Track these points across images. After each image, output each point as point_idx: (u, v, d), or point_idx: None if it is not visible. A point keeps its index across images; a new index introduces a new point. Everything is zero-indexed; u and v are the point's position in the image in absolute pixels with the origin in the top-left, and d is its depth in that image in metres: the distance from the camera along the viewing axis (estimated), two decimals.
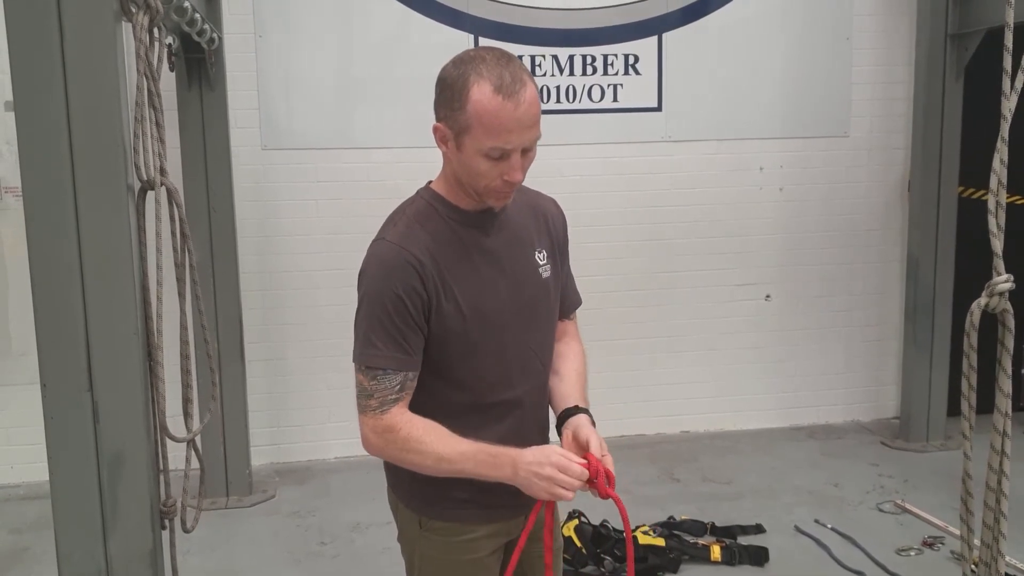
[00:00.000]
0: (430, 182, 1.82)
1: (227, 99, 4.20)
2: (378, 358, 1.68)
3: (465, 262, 1.73)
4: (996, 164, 1.69)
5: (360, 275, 1.75)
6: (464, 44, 4.72)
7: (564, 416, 1.82)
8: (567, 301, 1.98)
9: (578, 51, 4.87)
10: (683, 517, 3.94)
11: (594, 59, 4.89)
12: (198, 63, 4.03)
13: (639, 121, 4.97)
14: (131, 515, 2.19)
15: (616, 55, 4.91)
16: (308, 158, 4.70)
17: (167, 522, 2.30)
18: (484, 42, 4.76)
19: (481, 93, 1.57)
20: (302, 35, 4.64)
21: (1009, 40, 1.64)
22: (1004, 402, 1.76)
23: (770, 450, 4.97)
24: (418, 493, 1.82)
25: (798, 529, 3.94)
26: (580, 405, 1.82)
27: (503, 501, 1.79)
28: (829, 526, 3.95)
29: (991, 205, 1.71)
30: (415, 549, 1.86)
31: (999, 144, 1.69)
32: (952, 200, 4.81)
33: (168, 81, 4.04)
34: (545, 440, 1.89)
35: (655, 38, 4.93)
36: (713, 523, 3.91)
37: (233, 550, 3.90)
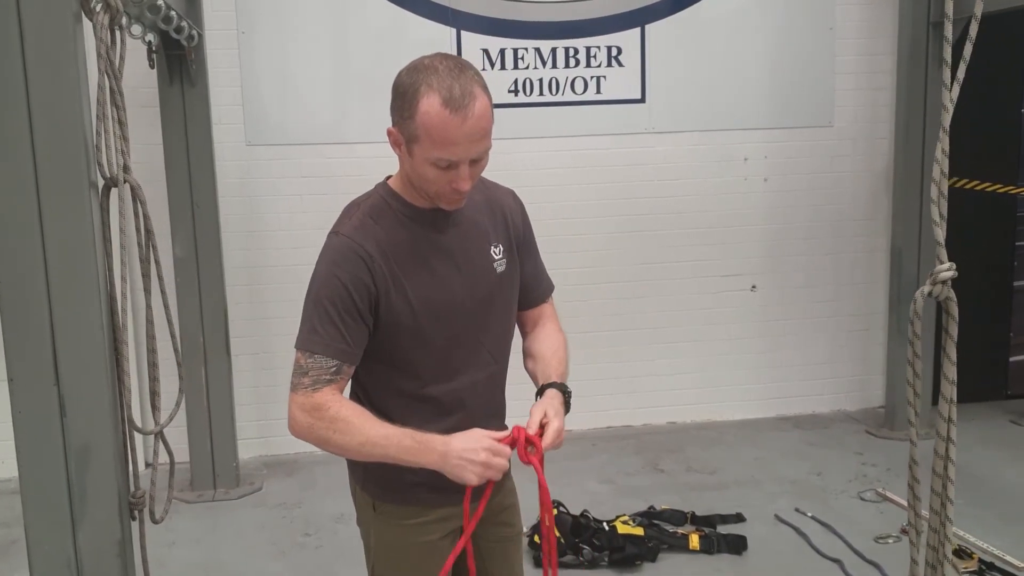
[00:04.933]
0: (388, 177, 1.86)
1: (209, 95, 4.22)
2: (318, 344, 1.71)
3: (417, 258, 1.76)
4: (938, 154, 1.71)
5: (315, 266, 1.78)
6: (448, 38, 4.74)
7: (538, 395, 1.84)
8: (539, 288, 2.01)
9: (561, 43, 4.87)
10: (663, 507, 3.97)
11: (577, 51, 4.89)
12: (179, 59, 4.05)
13: (623, 113, 4.98)
14: (100, 506, 2.23)
15: (599, 47, 4.91)
16: (293, 153, 4.73)
17: (136, 513, 2.34)
18: (467, 36, 4.78)
19: (429, 105, 1.59)
20: (285, 31, 4.66)
21: (949, 31, 1.65)
22: (949, 389, 1.77)
23: (756, 440, 4.99)
24: (372, 477, 1.86)
25: (778, 518, 3.96)
26: (546, 381, 1.85)
27: (455, 486, 1.81)
28: (810, 515, 3.97)
29: (933, 194, 1.72)
30: (371, 532, 1.90)
31: (940, 134, 1.70)
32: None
33: (150, 77, 4.06)
34: (501, 428, 1.92)
35: (638, 30, 4.94)
36: (693, 512, 3.94)
37: (218, 542, 3.94)
